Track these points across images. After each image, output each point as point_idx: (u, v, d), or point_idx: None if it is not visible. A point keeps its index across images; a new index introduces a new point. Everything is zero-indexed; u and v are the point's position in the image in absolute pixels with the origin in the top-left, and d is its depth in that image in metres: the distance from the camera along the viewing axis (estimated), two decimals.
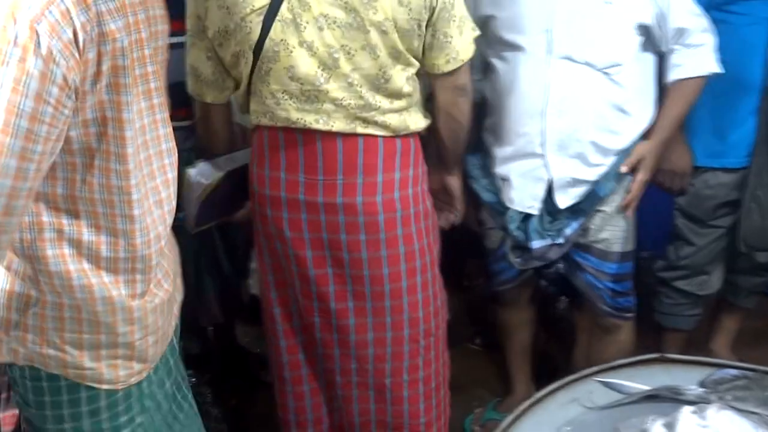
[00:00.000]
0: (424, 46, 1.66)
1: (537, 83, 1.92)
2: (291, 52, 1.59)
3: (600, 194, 1.99)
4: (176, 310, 1.41)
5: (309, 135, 1.67)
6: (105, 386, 1.25)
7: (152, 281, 1.26)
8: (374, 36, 1.58)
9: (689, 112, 2.01)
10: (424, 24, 1.61)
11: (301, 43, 1.59)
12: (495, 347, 2.66)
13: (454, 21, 1.64)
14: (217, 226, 2.06)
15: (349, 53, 1.60)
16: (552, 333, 2.79)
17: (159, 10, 1.22)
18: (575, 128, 1.93)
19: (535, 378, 2.49)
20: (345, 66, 1.60)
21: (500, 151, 2.04)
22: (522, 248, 2.06)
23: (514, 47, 1.94)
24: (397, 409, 1.89)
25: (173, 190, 1.30)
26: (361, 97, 1.63)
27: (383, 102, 1.66)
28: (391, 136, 1.69)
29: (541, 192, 1.99)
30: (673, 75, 1.97)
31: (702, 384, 1.37)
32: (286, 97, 1.64)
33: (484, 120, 2.09)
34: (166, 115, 1.26)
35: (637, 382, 1.40)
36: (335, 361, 1.87)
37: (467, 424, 2.49)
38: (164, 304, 1.31)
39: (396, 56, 1.62)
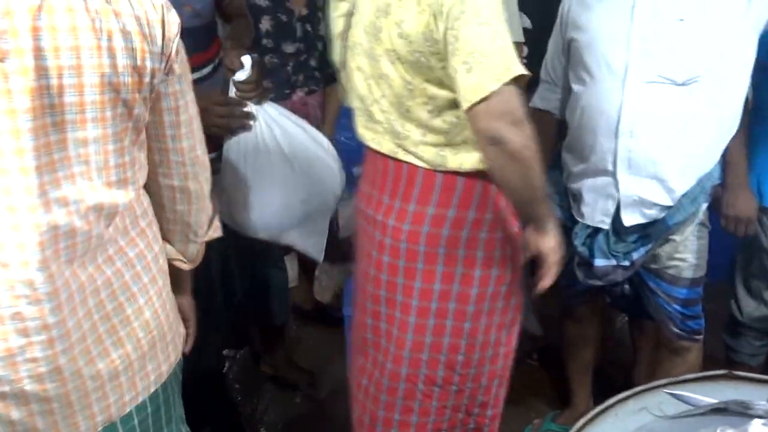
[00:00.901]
0: None
1: (611, 102, 1.94)
2: (352, 73, 1.69)
3: (669, 223, 2.00)
4: None
5: (374, 151, 1.73)
6: None
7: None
8: (385, 65, 1.57)
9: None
10: (433, 57, 1.50)
11: (356, 67, 1.67)
12: (551, 362, 2.70)
13: (457, 55, 1.44)
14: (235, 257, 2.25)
15: (376, 81, 1.62)
16: (608, 350, 2.80)
17: (108, 42, 1.04)
18: (646, 148, 1.93)
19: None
20: (376, 92, 1.63)
21: (575, 168, 2.08)
22: (587, 265, 2.09)
23: (592, 67, 1.97)
24: None
25: (39, 234, 1.05)
26: (390, 123, 1.63)
27: (414, 132, 1.61)
28: (430, 169, 1.64)
29: (611, 209, 2.01)
30: None
31: None
32: (359, 113, 1.73)
33: (563, 139, 2.14)
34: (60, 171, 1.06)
35: (705, 396, 1.41)
36: (354, 372, 1.89)
37: None
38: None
39: (410, 88, 1.56)
